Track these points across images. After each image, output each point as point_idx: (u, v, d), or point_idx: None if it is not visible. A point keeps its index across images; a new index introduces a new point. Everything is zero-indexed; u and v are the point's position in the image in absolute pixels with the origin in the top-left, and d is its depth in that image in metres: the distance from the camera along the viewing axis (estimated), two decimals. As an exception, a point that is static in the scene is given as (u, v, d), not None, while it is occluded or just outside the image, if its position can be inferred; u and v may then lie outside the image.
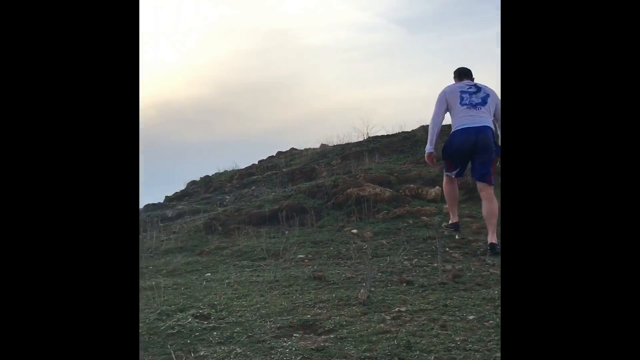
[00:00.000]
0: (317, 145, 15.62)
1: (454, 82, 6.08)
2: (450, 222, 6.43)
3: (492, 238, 5.38)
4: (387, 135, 14.09)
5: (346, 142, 14.61)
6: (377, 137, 14.16)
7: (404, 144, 12.43)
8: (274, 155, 16.43)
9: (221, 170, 16.81)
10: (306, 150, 15.48)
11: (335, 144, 14.67)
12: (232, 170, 16.11)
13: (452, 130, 5.80)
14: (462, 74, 6.07)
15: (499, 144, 5.68)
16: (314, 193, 8.28)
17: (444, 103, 5.83)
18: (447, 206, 6.73)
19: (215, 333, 3.62)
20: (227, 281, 5.08)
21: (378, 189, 7.84)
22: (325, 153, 13.37)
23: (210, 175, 16.61)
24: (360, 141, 14.20)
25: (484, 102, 5.68)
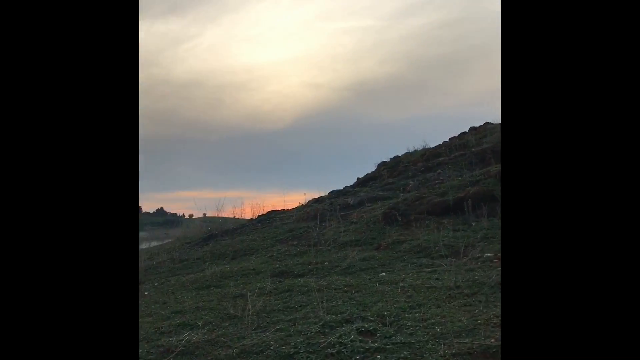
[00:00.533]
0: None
1: None
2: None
3: None
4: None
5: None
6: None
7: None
8: (466, 131, 15.36)
9: (411, 150, 16.33)
10: (502, 124, 14.06)
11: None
12: (422, 149, 15.52)
13: None
14: None
15: None
16: (506, 177, 7.27)
17: None
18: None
19: (379, 357, 3.14)
20: (401, 285, 4.57)
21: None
22: (523, 127, 11.87)
23: (400, 155, 16.26)
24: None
25: None
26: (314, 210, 8.53)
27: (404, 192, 8.49)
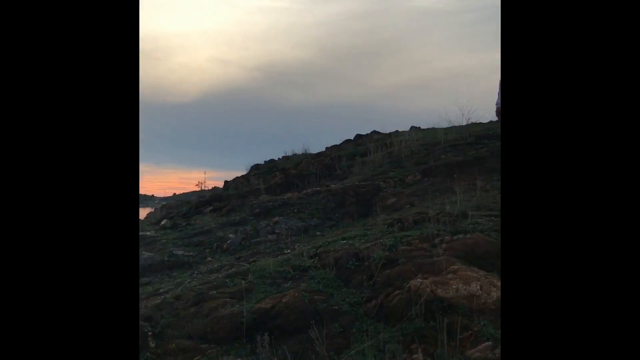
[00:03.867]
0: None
1: None
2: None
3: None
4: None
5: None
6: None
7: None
8: (351, 139, 13.08)
9: (289, 154, 14.02)
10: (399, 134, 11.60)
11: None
12: (302, 153, 13.33)
13: None
14: None
15: None
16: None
17: None
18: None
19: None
20: None
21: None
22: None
23: (276, 160, 13.93)
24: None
25: None
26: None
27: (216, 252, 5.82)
